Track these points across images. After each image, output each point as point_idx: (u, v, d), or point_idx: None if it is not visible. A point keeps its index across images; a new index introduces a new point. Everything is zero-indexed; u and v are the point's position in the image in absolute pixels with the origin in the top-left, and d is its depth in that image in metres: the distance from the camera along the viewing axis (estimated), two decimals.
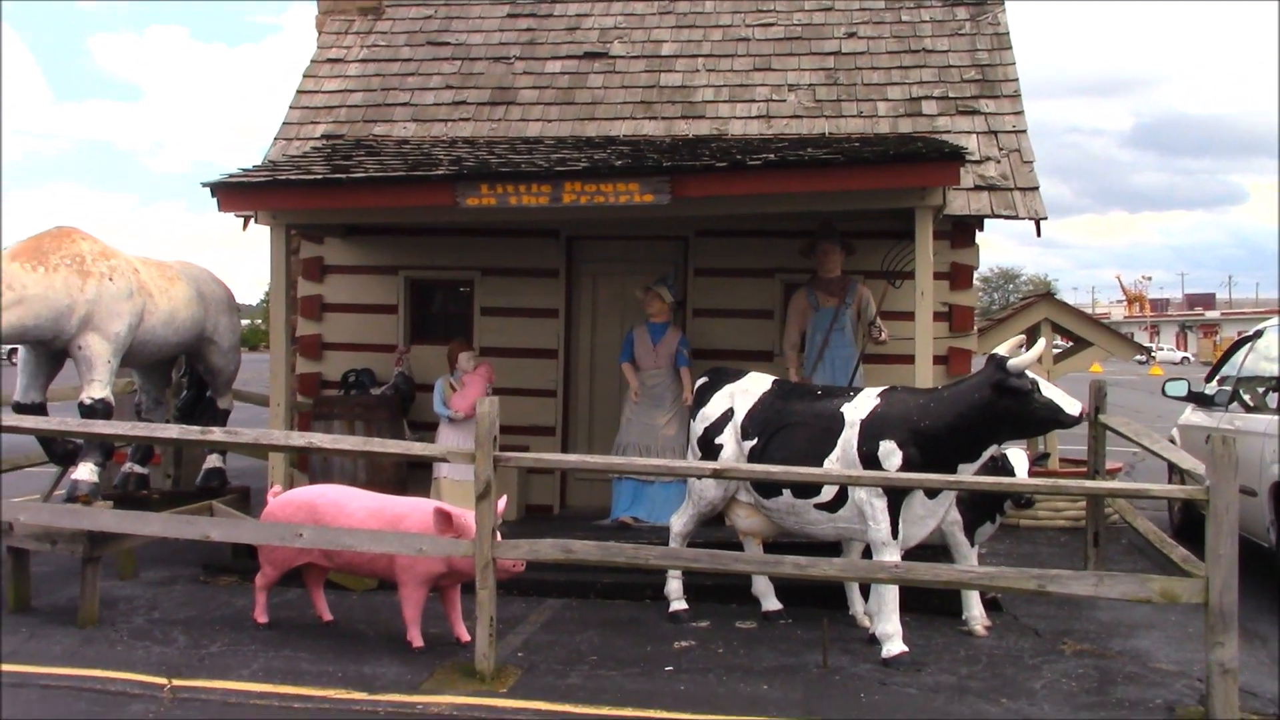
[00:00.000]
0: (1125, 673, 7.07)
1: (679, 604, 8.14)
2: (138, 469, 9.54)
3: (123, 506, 8.27)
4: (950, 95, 11.20)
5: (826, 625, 7.22)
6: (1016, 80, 11.28)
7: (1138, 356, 14.73)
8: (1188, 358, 77.73)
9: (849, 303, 9.79)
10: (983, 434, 6.95)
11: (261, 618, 7.70)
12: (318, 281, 11.26)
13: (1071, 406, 6.88)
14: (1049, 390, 6.90)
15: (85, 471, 8.31)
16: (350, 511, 7.31)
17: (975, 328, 10.68)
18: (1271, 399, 9.03)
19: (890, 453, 7.05)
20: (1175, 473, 11.61)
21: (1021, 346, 7.13)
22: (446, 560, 6.99)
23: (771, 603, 8.15)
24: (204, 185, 8.71)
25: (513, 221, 10.39)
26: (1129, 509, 9.00)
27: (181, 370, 10.25)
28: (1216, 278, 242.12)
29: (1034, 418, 6.88)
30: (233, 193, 8.79)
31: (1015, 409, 6.84)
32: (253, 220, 9.83)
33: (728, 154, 8.89)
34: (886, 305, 9.96)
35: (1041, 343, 7.03)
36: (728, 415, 7.86)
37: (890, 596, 7.08)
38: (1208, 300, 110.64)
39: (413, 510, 7.26)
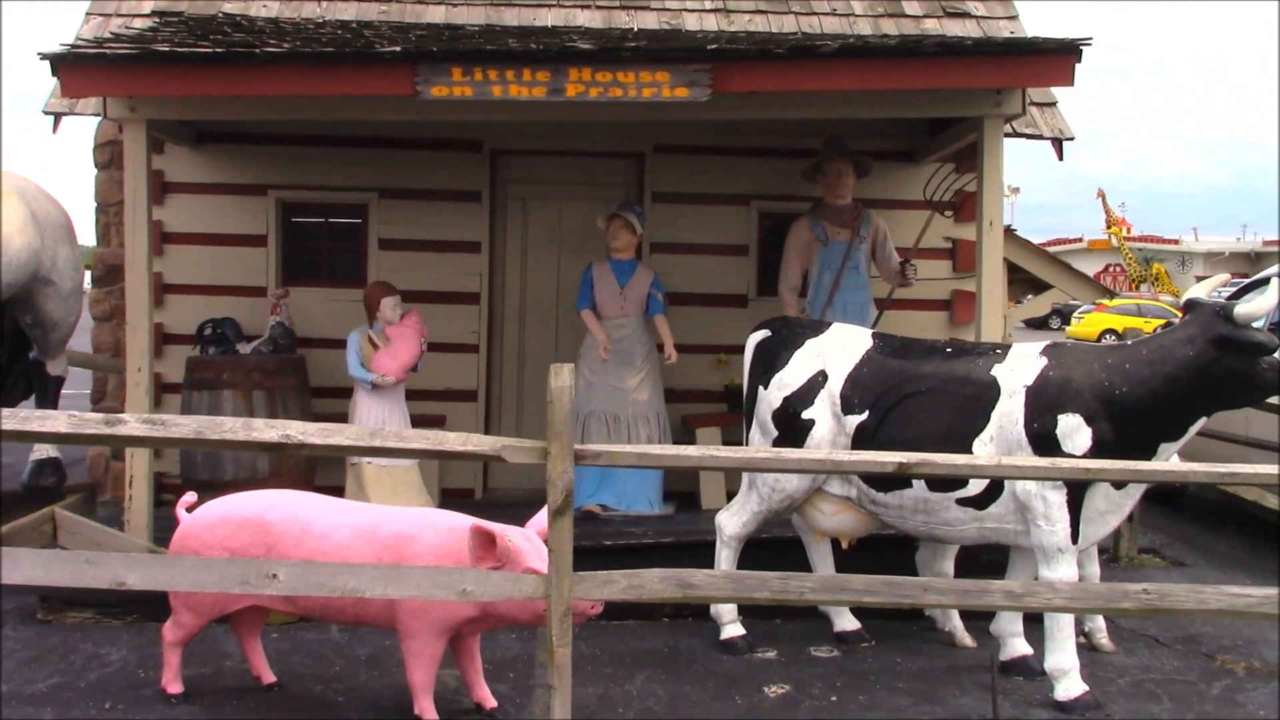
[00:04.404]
0: None
1: (734, 629, 6.21)
2: None
3: None
4: None
5: (995, 661, 5.45)
6: None
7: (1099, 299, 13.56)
8: None
9: (864, 235, 8.01)
10: (1194, 403, 5.30)
11: (175, 686, 5.25)
12: (156, 204, 8.49)
13: None
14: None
15: None
16: (323, 532, 4.99)
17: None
18: None
19: (1075, 430, 5.31)
20: None
21: (1226, 285, 5.53)
22: (482, 603, 4.81)
23: (848, 620, 6.32)
24: (43, 57, 6.04)
25: (420, 128, 8.09)
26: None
27: None
28: None
29: (1258, 381, 5.26)
30: (85, 70, 6.14)
31: (1241, 370, 5.21)
32: (95, 113, 7.14)
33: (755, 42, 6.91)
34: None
35: (1275, 285, 5.45)
36: (818, 380, 5.91)
37: (1066, 621, 5.38)
38: None
39: (421, 527, 5.01)
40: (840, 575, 4.71)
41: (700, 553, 6.95)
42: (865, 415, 5.73)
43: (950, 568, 6.42)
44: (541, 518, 5.00)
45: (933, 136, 8.65)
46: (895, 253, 8.10)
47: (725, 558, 6.20)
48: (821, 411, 5.87)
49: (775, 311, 8.51)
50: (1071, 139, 8.63)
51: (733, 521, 6.19)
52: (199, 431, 4.50)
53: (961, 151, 8.69)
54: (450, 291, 8.64)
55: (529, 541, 4.87)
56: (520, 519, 7.66)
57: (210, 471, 6.88)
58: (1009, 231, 11.17)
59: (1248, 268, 60.03)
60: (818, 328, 6.16)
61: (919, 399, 5.63)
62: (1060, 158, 8.79)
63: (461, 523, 4.99)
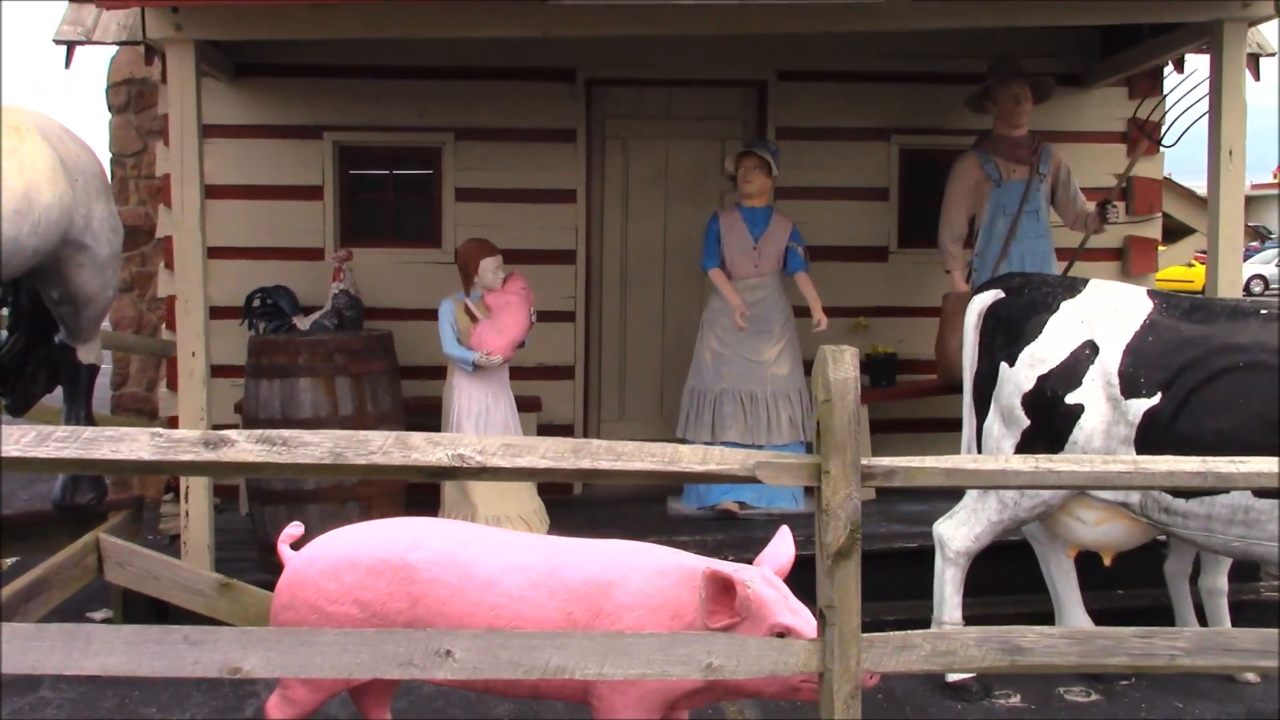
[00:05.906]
0: None
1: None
2: None
3: None
4: None
5: None
6: None
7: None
8: None
9: (1043, 173, 6.70)
10: None
11: None
12: None
13: None
14: None
15: None
16: (489, 577, 3.65)
17: (1162, 210, 7.78)
18: None
19: None
20: None
21: None
22: (711, 679, 3.51)
23: None
24: None
25: (503, 53, 6.79)
26: None
27: None
28: None
29: None
30: None
31: None
32: (117, 40, 5.75)
33: None
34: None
35: None
36: (1084, 353, 4.61)
37: None
38: None
39: (621, 569, 3.67)
40: (1221, 631, 3.45)
41: (890, 563, 5.77)
42: (1157, 399, 4.44)
43: (1225, 583, 5.17)
44: (778, 551, 3.70)
45: (1105, 58, 7.35)
46: (1081, 193, 6.81)
47: (951, 579, 4.92)
48: (1092, 394, 4.57)
49: (922, 266, 7.34)
50: (1274, 55, 7.33)
51: (960, 534, 4.90)
52: (338, 454, 3.17)
53: (1133, 76, 7.44)
54: (541, 250, 7.26)
55: (773, 587, 3.56)
56: (629, 520, 6.47)
57: (285, 479, 5.55)
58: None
59: None
60: (1072, 286, 4.85)
61: (1234, 377, 4.34)
62: (1256, 77, 7.44)
63: (675, 561, 3.68)
